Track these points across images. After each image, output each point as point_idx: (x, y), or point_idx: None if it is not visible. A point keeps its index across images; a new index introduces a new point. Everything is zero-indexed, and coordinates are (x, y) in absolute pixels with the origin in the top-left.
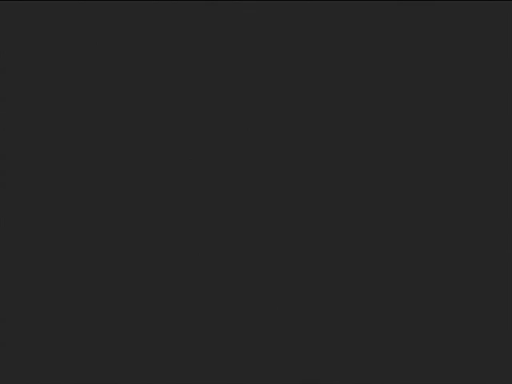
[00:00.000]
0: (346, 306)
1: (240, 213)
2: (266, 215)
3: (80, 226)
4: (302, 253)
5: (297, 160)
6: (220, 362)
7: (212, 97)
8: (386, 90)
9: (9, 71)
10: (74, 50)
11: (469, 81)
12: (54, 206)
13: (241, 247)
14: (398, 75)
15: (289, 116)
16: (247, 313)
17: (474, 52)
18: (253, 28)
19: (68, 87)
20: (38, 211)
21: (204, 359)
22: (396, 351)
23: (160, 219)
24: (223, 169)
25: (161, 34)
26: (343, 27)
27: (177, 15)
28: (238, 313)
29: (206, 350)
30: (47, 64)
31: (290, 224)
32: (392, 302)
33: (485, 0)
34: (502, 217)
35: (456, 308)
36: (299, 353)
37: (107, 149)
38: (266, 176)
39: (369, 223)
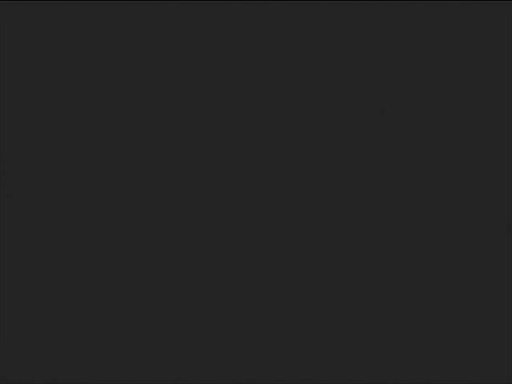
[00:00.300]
0: (344, 306)
1: (240, 213)
2: (265, 215)
3: (80, 226)
4: (301, 253)
5: (297, 160)
6: (220, 362)
7: (211, 97)
8: (385, 90)
9: (8, 71)
10: (74, 49)
11: (468, 81)
12: (54, 204)
13: (241, 247)
14: (396, 75)
15: (289, 116)
16: (247, 313)
17: (474, 52)
18: (252, 28)
19: (68, 87)
20: (38, 210)
21: (204, 359)
22: (396, 351)
23: (160, 219)
24: (223, 169)
25: (161, 34)
26: (343, 27)
27: (176, 15)
28: (238, 313)
29: (206, 349)
30: (47, 64)
31: (290, 224)
32: (391, 303)
33: (485, 0)
34: (503, 218)
35: (455, 308)
36: (298, 352)
37: (107, 149)
38: (265, 176)
39: (369, 223)
